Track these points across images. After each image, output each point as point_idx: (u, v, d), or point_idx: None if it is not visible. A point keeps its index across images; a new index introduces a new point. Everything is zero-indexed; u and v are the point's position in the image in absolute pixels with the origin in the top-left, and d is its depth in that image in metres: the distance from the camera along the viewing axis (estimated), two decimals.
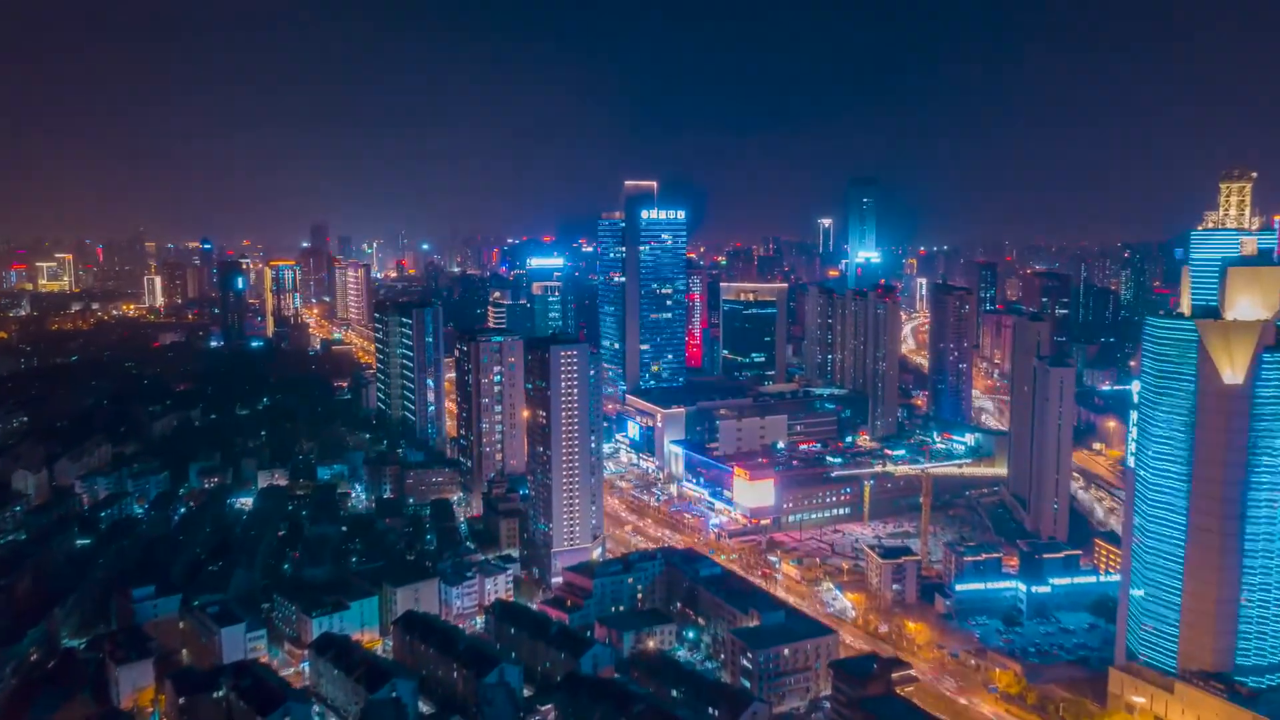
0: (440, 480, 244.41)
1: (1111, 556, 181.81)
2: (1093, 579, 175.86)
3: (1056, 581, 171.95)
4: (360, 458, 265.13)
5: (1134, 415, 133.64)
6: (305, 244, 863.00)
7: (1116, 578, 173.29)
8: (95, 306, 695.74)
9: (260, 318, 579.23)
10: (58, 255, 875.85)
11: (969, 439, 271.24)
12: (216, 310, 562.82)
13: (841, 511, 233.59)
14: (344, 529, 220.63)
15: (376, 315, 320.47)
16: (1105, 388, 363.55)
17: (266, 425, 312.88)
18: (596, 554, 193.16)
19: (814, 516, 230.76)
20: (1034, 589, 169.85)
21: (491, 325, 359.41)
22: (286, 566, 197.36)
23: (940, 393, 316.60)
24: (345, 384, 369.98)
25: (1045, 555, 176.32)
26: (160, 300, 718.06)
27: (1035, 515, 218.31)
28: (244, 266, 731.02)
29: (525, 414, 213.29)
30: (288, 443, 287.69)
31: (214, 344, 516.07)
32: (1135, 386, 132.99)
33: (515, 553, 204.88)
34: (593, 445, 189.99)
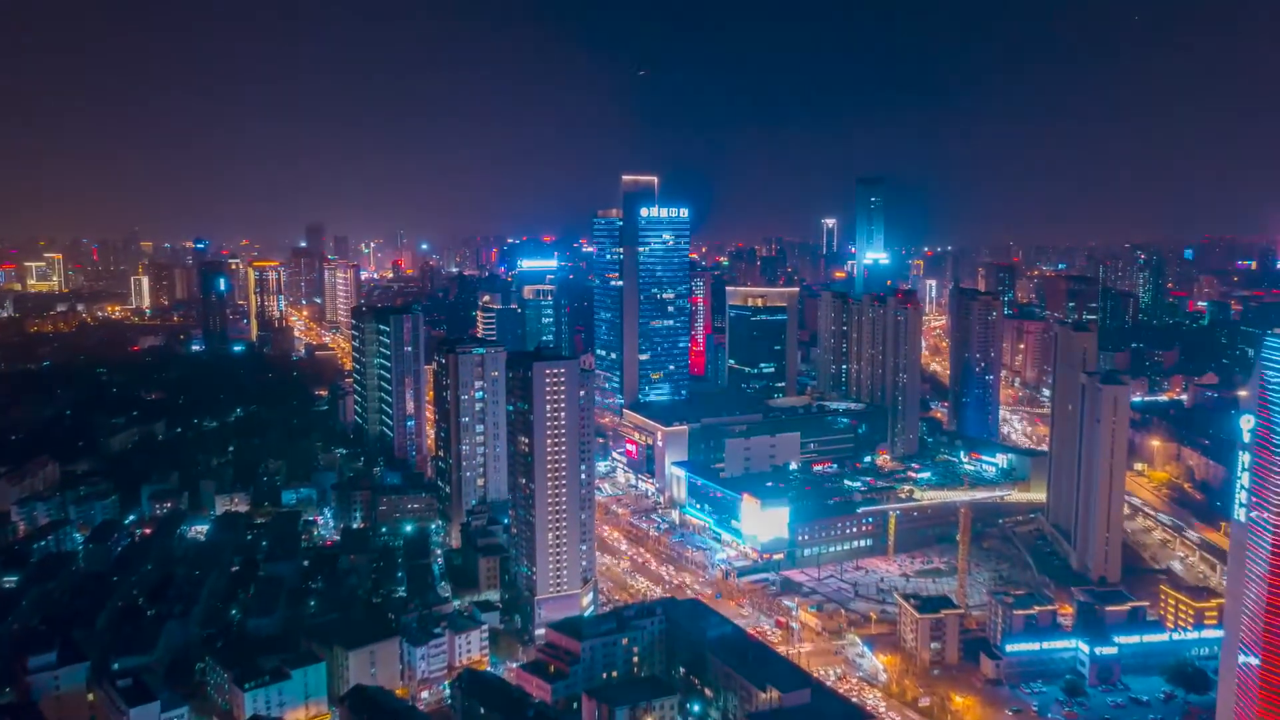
0: (416, 507, 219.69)
1: (1182, 608, 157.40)
2: (1163, 636, 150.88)
3: (1122, 640, 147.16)
4: (331, 479, 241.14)
5: (1244, 457, 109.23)
6: (302, 244, 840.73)
7: (1192, 634, 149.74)
8: (80, 308, 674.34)
9: (246, 320, 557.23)
10: (47, 255, 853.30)
11: (1000, 460, 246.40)
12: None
13: (863, 544, 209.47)
14: (306, 563, 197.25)
15: (353, 321, 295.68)
16: (1136, 399, 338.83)
17: (235, 440, 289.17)
18: (587, 599, 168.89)
19: (832, 550, 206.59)
20: (1098, 650, 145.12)
21: (480, 332, 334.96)
22: (235, 612, 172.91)
23: (964, 406, 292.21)
24: (325, 393, 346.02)
25: (1108, 607, 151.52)
26: (147, 301, 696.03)
27: (1082, 551, 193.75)
28: (233, 267, 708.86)
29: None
30: (255, 461, 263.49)
31: (195, 348, 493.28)
32: (1247, 423, 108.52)
33: (496, 595, 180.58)
34: (583, 476, 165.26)
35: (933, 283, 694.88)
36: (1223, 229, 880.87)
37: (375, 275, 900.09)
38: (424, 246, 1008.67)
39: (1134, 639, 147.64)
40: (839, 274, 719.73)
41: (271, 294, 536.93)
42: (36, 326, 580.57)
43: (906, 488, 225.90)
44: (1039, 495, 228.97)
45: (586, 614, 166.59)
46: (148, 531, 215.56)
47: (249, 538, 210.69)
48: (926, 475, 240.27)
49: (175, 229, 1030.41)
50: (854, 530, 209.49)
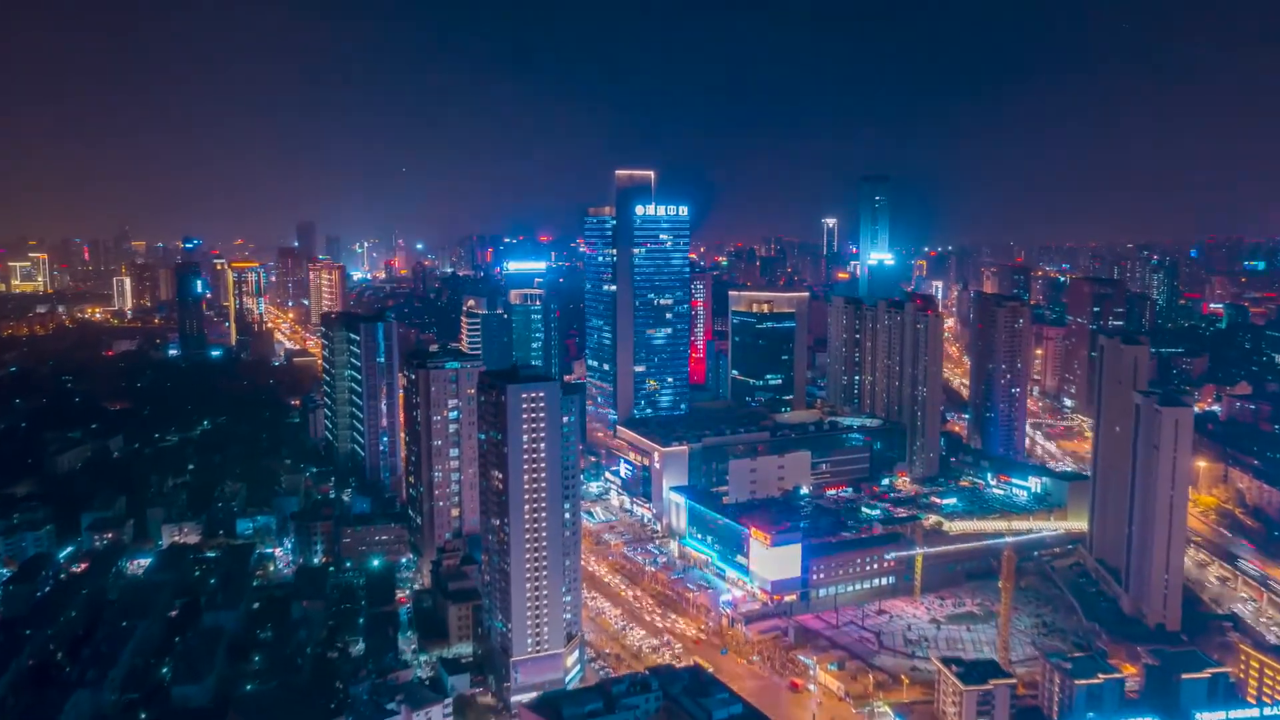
0: (385, 539, 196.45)
1: (1269, 674, 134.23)
2: (1252, 713, 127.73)
3: (1206, 717, 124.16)
4: (293, 505, 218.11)
5: None
6: (295, 244, 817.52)
7: None
8: (61, 310, 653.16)
9: (228, 323, 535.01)
10: (32, 255, 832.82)
11: (1033, 484, 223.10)
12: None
13: (884, 582, 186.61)
14: (256, 605, 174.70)
15: (322, 329, 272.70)
16: None
17: (195, 458, 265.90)
18: (572, 659, 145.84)
19: (851, 589, 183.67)
20: None
21: (464, 339, 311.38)
22: (166, 671, 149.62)
23: (988, 422, 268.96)
24: (300, 404, 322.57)
25: (1184, 675, 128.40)
26: (129, 303, 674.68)
27: (1137, 594, 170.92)
28: (219, 268, 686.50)
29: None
30: (214, 482, 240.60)
31: (172, 353, 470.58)
32: None
33: (469, 649, 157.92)
34: (568, 516, 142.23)
35: (938, 284, 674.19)
36: (1226, 229, 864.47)
37: (369, 276, 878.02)
38: (419, 246, 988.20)
39: (1219, 716, 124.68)
40: (842, 275, 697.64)
41: (251, 296, 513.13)
42: (10, 329, 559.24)
43: (932, 517, 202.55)
44: (1078, 524, 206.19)
45: (570, 677, 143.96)
46: (83, 567, 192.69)
47: (197, 574, 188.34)
48: (952, 501, 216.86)
49: (170, 228, 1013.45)
50: (874, 566, 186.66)
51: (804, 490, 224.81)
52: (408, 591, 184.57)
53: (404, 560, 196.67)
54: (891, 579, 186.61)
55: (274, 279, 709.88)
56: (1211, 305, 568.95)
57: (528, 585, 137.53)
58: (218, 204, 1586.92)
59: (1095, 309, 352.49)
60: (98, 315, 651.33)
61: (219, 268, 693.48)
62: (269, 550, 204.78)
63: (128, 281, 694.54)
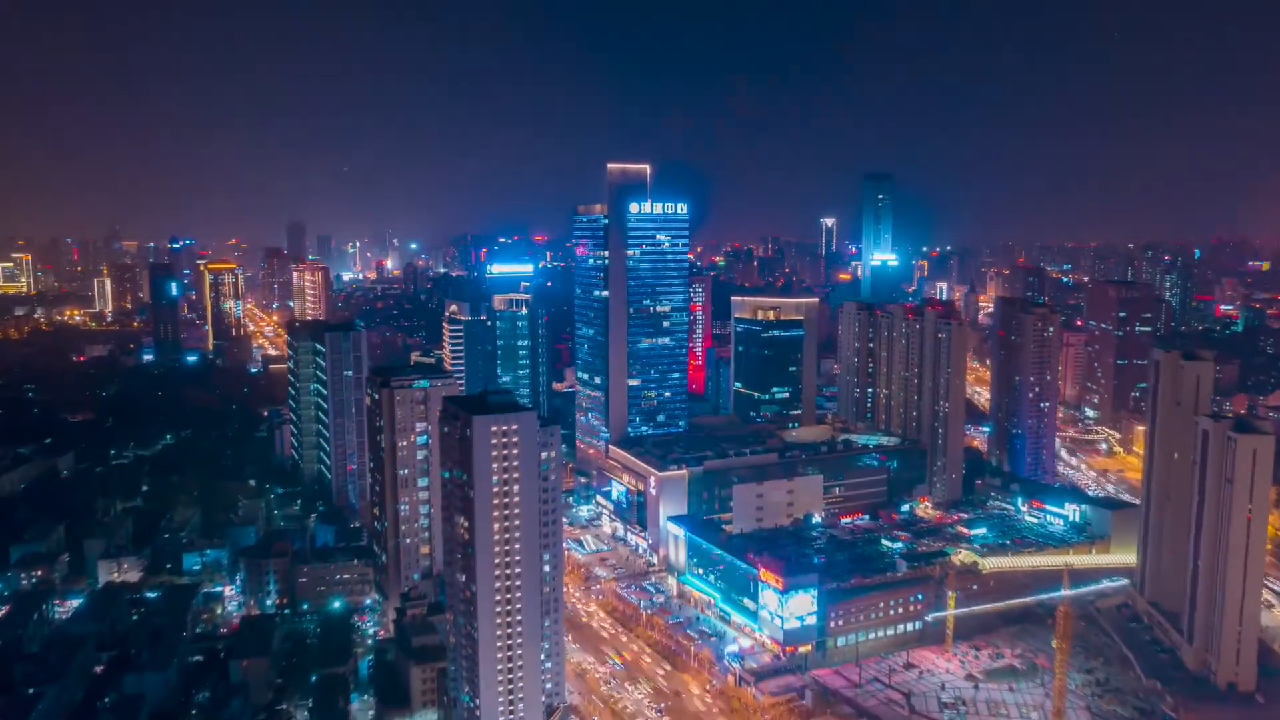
0: (347, 578, 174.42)
1: None
2: None
3: None
4: (250, 536, 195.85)
5: None
6: (284, 244, 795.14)
7: None
8: (39, 312, 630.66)
9: (207, 327, 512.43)
10: (14, 255, 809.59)
11: (1070, 511, 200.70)
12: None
13: (911, 628, 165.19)
14: (196, 660, 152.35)
15: (289, 339, 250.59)
16: None
17: (150, 479, 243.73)
18: None
19: (873, 637, 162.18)
20: None
21: (447, 347, 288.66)
22: None
23: (1014, 439, 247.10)
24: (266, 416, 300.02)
25: None
26: (110, 305, 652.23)
27: (1202, 646, 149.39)
28: (202, 269, 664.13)
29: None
30: (166, 508, 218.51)
31: (147, 358, 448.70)
32: None
33: (434, 717, 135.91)
34: (547, 569, 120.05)
35: (942, 285, 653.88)
36: (1229, 229, 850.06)
37: (360, 276, 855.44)
38: (413, 246, 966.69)
39: None
40: (843, 276, 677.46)
41: (229, 298, 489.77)
42: None
43: (963, 552, 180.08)
44: (1122, 558, 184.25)
45: None
46: (5, 612, 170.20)
47: (133, 619, 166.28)
48: (982, 532, 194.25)
49: (164, 228, 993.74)
50: (899, 610, 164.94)
51: (816, 519, 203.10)
52: (369, 640, 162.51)
53: (368, 601, 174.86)
54: (919, 624, 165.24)
55: (260, 280, 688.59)
56: (1223, 307, 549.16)
57: (499, 654, 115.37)
58: (214, 204, 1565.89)
59: (1121, 313, 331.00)
60: (76, 318, 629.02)
61: (202, 269, 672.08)
62: (218, 589, 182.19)
63: (108, 283, 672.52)
